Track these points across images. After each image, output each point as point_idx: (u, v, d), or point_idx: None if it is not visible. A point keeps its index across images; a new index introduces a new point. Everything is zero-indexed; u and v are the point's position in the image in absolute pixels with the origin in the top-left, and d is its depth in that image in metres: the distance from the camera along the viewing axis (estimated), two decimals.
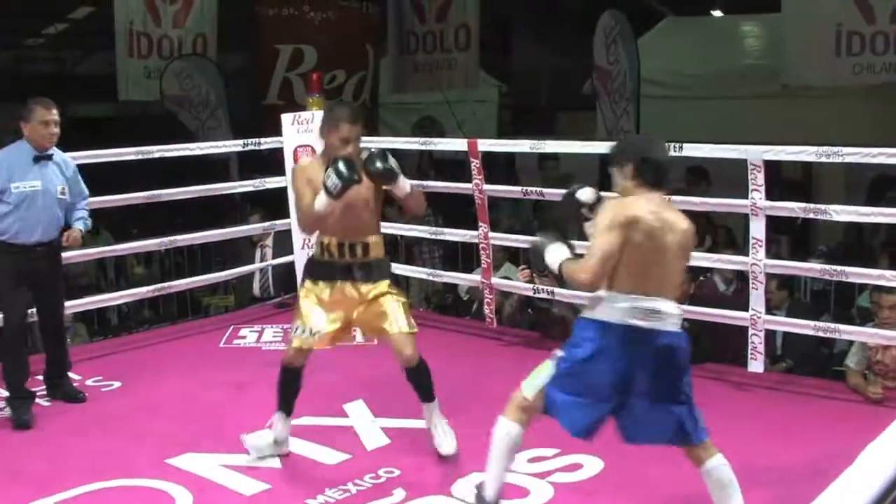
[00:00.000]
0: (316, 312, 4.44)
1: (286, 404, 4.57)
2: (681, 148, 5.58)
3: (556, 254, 3.71)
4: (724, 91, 11.37)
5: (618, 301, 3.52)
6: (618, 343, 3.50)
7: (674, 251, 3.57)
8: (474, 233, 6.85)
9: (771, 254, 7.51)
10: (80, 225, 5.43)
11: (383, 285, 4.49)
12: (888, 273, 5.21)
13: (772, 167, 9.51)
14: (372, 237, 4.51)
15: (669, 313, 3.54)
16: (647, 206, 3.57)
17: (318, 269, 4.51)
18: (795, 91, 10.44)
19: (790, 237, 9.46)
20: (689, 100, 11.47)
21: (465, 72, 12.89)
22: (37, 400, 5.39)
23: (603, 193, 4.05)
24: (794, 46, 10.08)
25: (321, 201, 4.24)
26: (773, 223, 8.04)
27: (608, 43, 10.25)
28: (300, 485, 4.31)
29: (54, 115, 5.32)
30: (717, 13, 14.10)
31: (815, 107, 10.51)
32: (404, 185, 4.43)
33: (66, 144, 5.59)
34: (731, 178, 6.18)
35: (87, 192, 5.63)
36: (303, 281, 4.60)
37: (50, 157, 5.35)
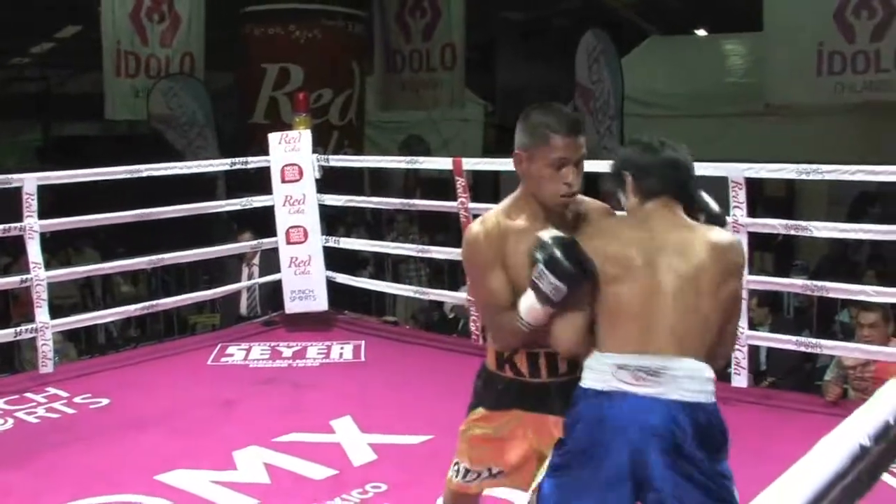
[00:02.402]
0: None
1: None
2: None
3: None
4: (708, 109, 11.53)
5: (600, 361, 2.64)
6: (597, 420, 2.61)
7: (684, 287, 2.59)
8: (460, 251, 6.90)
9: (755, 269, 7.65)
10: None
11: None
12: (868, 289, 5.28)
13: (755, 185, 9.69)
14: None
15: (681, 374, 2.56)
16: (623, 226, 2.76)
17: (499, 393, 2.96)
18: (778, 110, 10.58)
19: (774, 254, 9.57)
20: (673, 118, 11.61)
21: (451, 90, 13.00)
22: (24, 416, 5.41)
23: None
24: (777, 65, 10.22)
25: (530, 311, 2.68)
26: (758, 240, 8.15)
27: (590, 62, 10.36)
28: (288, 500, 4.33)
29: None
30: (702, 32, 14.26)
31: (797, 125, 10.67)
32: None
33: (53, 163, 5.62)
34: (718, 197, 6.27)
35: None
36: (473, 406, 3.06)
37: None
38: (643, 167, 2.73)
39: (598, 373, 2.62)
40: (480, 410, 3.00)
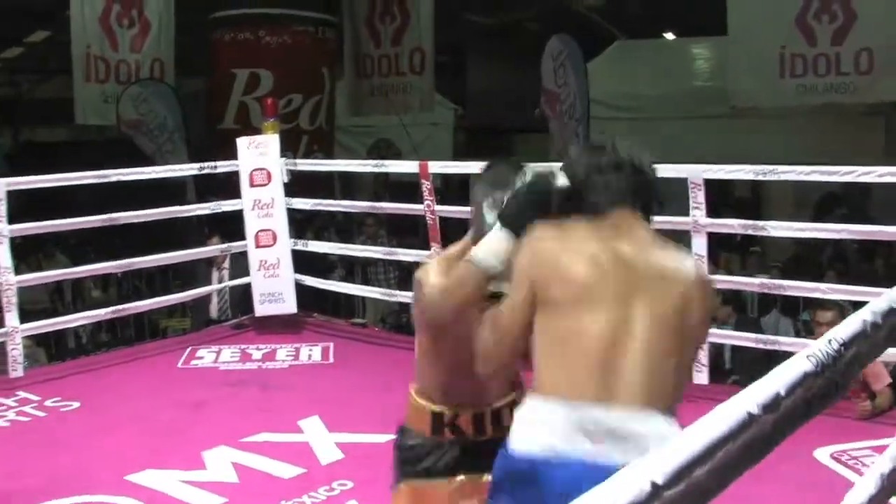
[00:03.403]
0: None
1: None
2: None
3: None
4: (674, 112, 11.68)
5: (544, 409, 2.12)
6: (534, 488, 2.09)
7: (661, 326, 2.14)
8: (427, 253, 6.99)
9: (722, 270, 7.79)
10: None
11: None
12: (823, 286, 5.41)
13: (722, 186, 9.85)
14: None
15: (649, 437, 2.04)
16: (587, 237, 2.24)
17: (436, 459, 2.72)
18: (743, 112, 10.72)
19: (739, 255, 9.71)
20: (640, 121, 11.75)
21: (420, 95, 13.07)
22: None
23: None
24: (740, 68, 10.37)
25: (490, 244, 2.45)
26: (722, 241, 8.30)
27: (556, 66, 10.48)
28: (256, 498, 4.41)
29: None
30: (670, 36, 14.42)
31: (761, 127, 10.83)
32: None
33: (23, 168, 5.66)
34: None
35: None
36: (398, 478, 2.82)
37: None
38: (599, 171, 2.31)
39: (542, 426, 2.09)
40: (411, 483, 2.73)
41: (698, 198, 5.56)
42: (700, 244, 5.63)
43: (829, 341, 1.65)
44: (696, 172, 5.57)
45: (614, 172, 2.29)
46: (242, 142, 7.47)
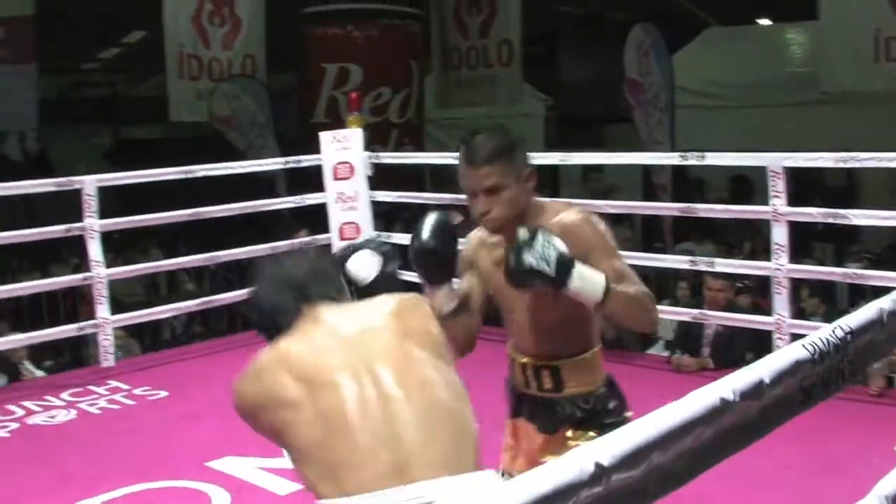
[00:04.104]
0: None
1: None
2: (703, 157, 5.73)
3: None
4: (765, 99, 11.46)
5: None
6: None
7: (386, 373, 1.99)
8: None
9: (815, 261, 7.64)
10: None
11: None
12: None
13: (814, 176, 9.65)
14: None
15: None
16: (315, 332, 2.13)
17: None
18: (835, 98, 10.48)
19: (835, 245, 9.50)
20: (730, 109, 11.58)
21: (508, 87, 13.07)
22: (87, 407, 5.67)
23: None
24: (833, 53, 10.14)
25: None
26: (818, 230, 8.12)
27: (639, 56, 10.37)
28: None
29: None
30: (764, 21, 14.16)
31: (854, 113, 10.55)
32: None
33: (121, 166, 5.83)
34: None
35: None
36: None
37: None
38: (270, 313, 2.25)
39: None
40: (511, 420, 2.89)
41: (778, 186, 5.48)
42: (780, 234, 5.55)
43: (834, 329, 1.63)
44: (776, 161, 5.49)
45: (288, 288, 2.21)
46: (326, 136, 7.57)
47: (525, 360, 2.77)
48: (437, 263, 2.60)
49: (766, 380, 1.41)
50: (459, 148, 2.69)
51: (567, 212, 2.70)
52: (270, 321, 2.20)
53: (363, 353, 2.00)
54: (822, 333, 1.60)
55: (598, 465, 1.23)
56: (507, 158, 2.65)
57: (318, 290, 2.17)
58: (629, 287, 2.55)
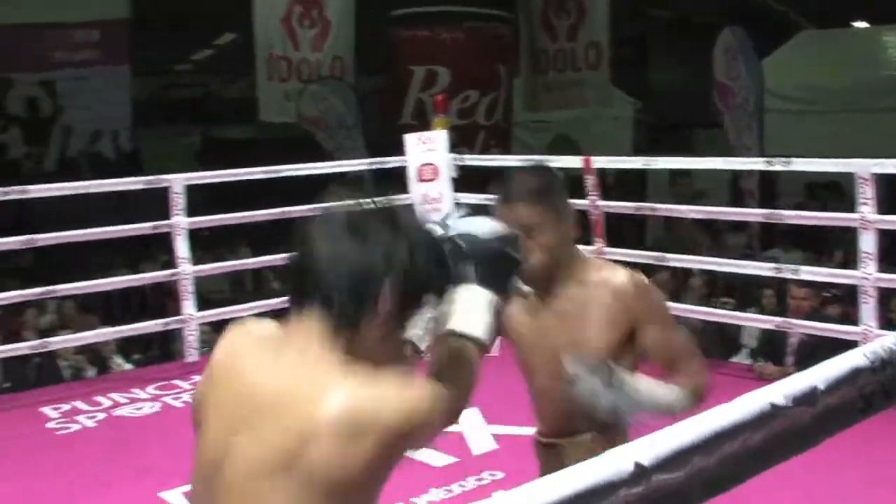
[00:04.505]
0: None
1: None
2: (789, 162, 5.64)
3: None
4: (860, 104, 11.20)
5: None
6: None
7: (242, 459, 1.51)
8: (591, 248, 6.97)
9: None
10: None
11: None
12: None
13: None
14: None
15: None
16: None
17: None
18: None
19: None
20: (822, 114, 11.34)
21: (596, 90, 13.02)
22: (171, 401, 5.79)
23: None
24: None
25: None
26: None
27: (728, 59, 10.23)
28: (406, 484, 4.49)
29: None
30: (861, 24, 13.85)
31: None
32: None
33: (211, 165, 5.91)
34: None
35: None
36: None
37: None
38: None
39: None
40: None
41: (867, 193, 5.37)
42: (868, 241, 5.43)
43: None
44: (864, 167, 5.38)
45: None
46: (411, 138, 7.61)
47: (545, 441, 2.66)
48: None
49: (821, 386, 1.38)
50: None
51: (615, 271, 2.48)
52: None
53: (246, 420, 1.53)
54: (884, 342, 1.57)
55: (637, 465, 1.22)
56: (546, 198, 2.40)
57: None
58: (688, 381, 2.38)
